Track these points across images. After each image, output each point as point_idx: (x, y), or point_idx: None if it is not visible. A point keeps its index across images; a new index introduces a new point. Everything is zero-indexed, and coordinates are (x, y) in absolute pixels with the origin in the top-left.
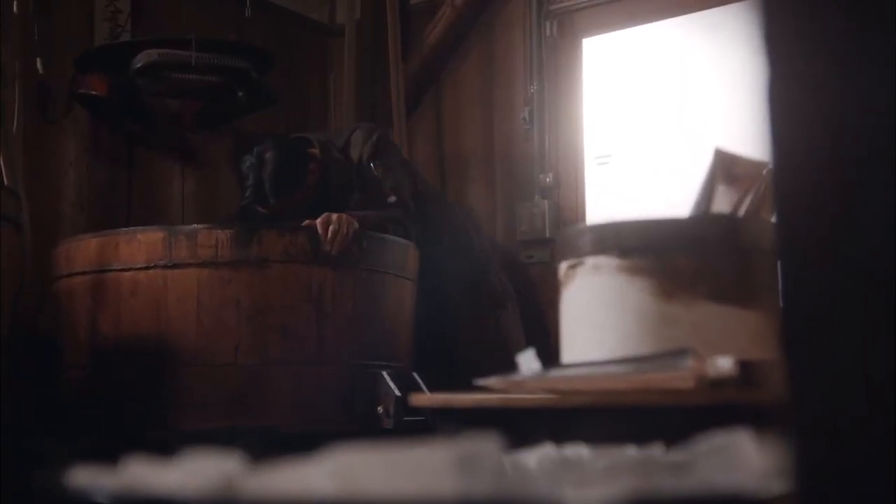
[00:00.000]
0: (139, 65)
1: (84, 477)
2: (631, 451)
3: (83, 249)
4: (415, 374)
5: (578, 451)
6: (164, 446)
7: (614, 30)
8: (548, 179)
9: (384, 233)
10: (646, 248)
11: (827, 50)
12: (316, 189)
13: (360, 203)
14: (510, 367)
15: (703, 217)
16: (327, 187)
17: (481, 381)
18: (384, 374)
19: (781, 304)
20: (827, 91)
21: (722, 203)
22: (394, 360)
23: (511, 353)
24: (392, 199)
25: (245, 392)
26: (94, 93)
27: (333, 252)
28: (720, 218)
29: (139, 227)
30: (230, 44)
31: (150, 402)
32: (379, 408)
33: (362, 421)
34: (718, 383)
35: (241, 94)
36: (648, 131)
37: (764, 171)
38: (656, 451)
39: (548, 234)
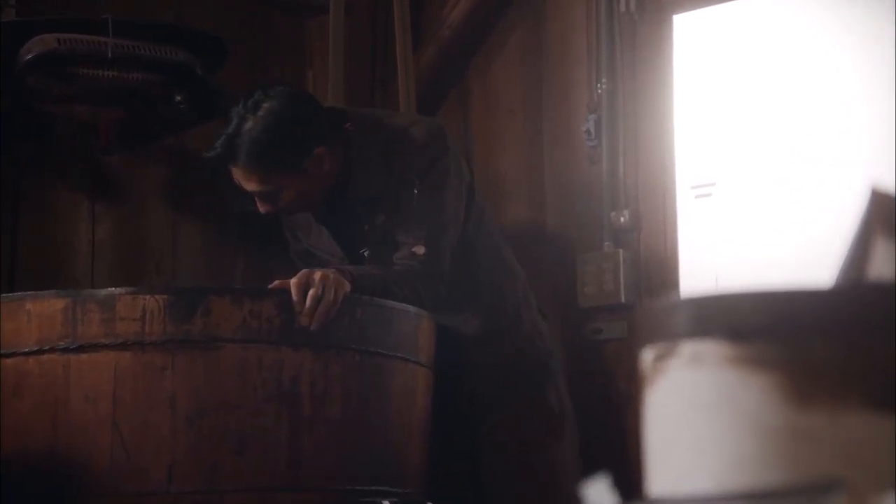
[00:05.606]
0: (31, 56)
1: None
2: None
3: None
4: None
5: None
6: None
7: (718, 3)
8: (623, 219)
9: (390, 299)
10: (770, 330)
11: None
12: (320, 191)
13: (380, 235)
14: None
15: (855, 285)
16: (345, 196)
17: None
18: None
19: None
20: None
21: (883, 265)
22: (400, 483)
23: (563, 496)
24: (419, 250)
25: None
26: None
27: (314, 327)
28: (880, 287)
29: (28, 293)
30: (165, 27)
31: None
32: None
33: None
34: None
35: (179, 98)
36: (768, 149)
37: None
38: None
39: (623, 300)
